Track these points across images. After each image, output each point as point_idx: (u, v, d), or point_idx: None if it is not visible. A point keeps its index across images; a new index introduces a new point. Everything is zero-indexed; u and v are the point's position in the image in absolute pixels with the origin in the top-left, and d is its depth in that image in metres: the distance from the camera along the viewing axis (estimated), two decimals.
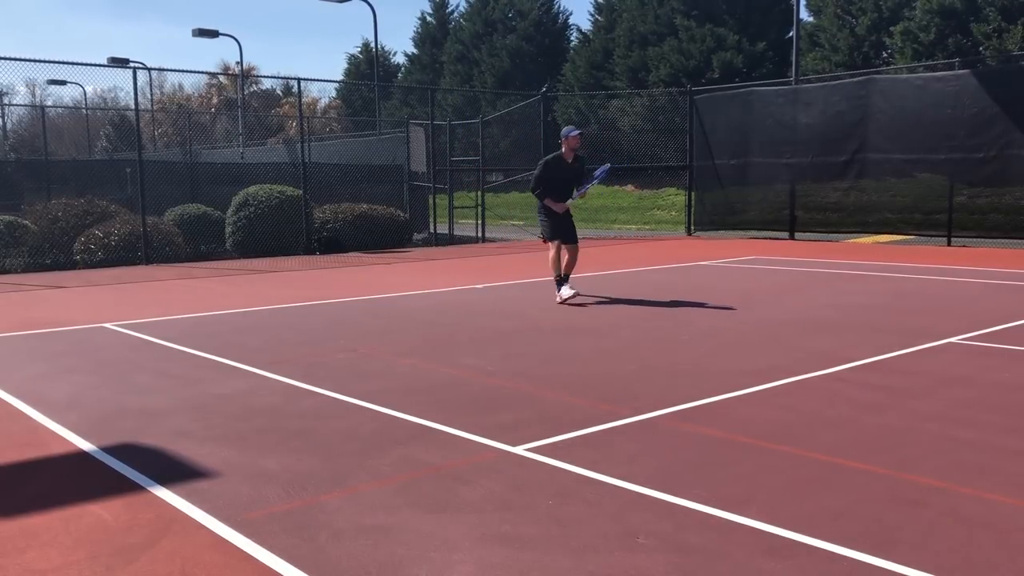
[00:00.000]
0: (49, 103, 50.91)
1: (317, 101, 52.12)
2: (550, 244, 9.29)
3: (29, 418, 4.88)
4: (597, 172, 9.55)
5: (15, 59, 15.40)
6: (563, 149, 9.17)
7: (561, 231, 9.22)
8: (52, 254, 14.63)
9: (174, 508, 3.50)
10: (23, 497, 3.67)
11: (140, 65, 28.86)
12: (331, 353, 6.59)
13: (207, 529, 3.28)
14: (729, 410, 4.85)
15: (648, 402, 4.99)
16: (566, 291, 9.01)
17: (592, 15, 38.51)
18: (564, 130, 9.29)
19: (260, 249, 15.38)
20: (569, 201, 9.19)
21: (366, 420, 4.74)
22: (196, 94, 58.04)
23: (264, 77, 61.79)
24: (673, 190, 28.62)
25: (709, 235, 18.96)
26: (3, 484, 3.87)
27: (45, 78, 48.55)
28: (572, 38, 40.43)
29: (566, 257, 9.18)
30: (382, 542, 3.15)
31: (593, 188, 9.56)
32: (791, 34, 27.12)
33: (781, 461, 3.99)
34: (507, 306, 9.07)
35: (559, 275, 9.16)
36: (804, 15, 30.53)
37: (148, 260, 14.18)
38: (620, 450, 4.15)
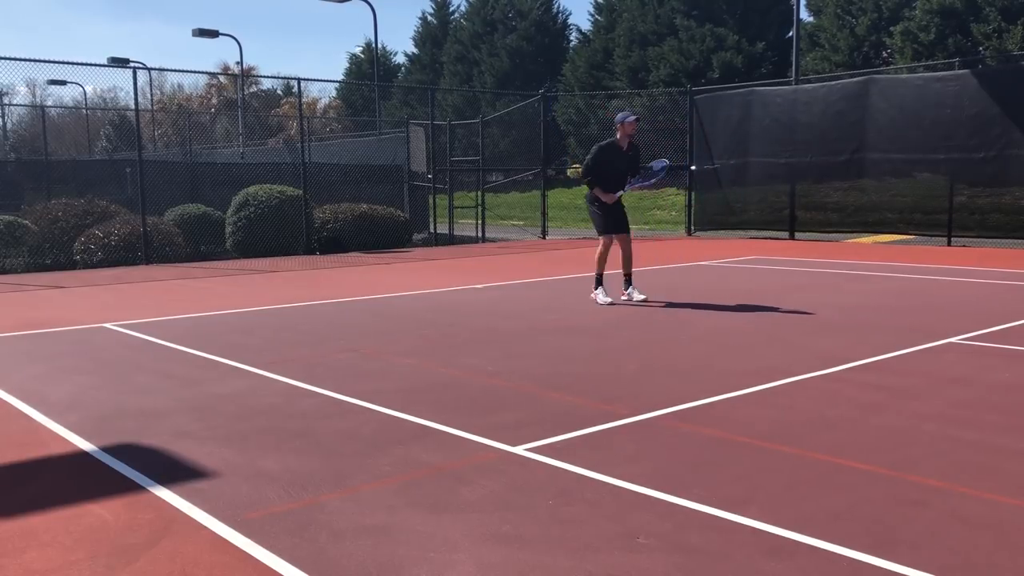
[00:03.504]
0: (49, 103, 50.96)
1: (317, 101, 52.21)
2: (600, 239, 8.88)
3: (29, 418, 4.88)
4: (656, 167, 8.96)
5: (15, 59, 15.42)
6: (618, 135, 8.64)
7: (612, 222, 8.80)
8: (52, 254, 14.63)
9: (174, 508, 3.50)
10: (23, 497, 3.67)
11: (140, 65, 28.88)
12: (331, 353, 6.59)
13: (207, 529, 3.29)
14: (729, 410, 4.85)
15: (648, 402, 4.99)
16: (602, 296, 8.82)
17: (592, 15, 38.57)
18: (619, 115, 8.71)
19: (260, 249, 15.37)
20: (619, 193, 8.71)
21: (366, 420, 4.74)
22: (196, 94, 58.10)
23: (264, 77, 61.90)
24: (673, 190, 28.60)
25: (709, 235, 18.95)
26: (3, 484, 3.87)
27: (45, 78, 48.61)
28: (572, 38, 40.47)
29: (620, 253, 8.84)
30: (382, 542, 3.15)
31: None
32: (791, 34, 27.14)
33: (781, 461, 3.99)
34: (507, 306, 9.07)
35: (601, 272, 8.91)
36: (804, 15, 30.56)
37: (148, 260, 14.18)
38: (620, 450, 4.15)
